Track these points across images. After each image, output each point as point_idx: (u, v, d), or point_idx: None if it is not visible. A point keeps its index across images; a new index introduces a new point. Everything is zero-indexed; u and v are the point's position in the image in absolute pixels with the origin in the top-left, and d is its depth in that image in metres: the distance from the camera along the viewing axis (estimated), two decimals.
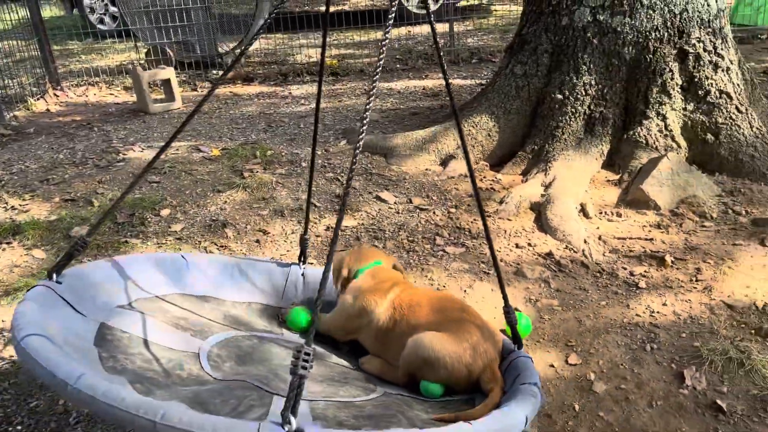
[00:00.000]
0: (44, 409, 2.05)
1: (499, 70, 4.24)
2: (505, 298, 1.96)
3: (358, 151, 1.51)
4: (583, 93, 3.75)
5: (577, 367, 2.21)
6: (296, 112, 5.26)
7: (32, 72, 6.14)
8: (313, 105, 5.40)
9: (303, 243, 2.46)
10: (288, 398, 1.29)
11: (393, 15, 1.63)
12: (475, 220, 3.23)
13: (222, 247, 3.06)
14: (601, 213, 3.26)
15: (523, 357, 1.91)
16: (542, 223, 3.15)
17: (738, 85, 3.73)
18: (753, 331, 2.31)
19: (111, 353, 1.72)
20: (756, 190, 3.32)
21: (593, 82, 3.74)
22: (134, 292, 2.06)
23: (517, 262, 2.86)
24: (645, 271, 2.75)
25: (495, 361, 1.89)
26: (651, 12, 3.65)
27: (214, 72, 6.68)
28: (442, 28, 7.45)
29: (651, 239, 2.99)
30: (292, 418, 1.27)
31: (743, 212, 3.14)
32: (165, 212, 3.37)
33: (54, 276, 1.81)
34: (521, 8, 4.40)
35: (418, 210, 3.37)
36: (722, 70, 3.68)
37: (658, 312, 2.47)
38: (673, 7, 3.65)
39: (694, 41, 3.67)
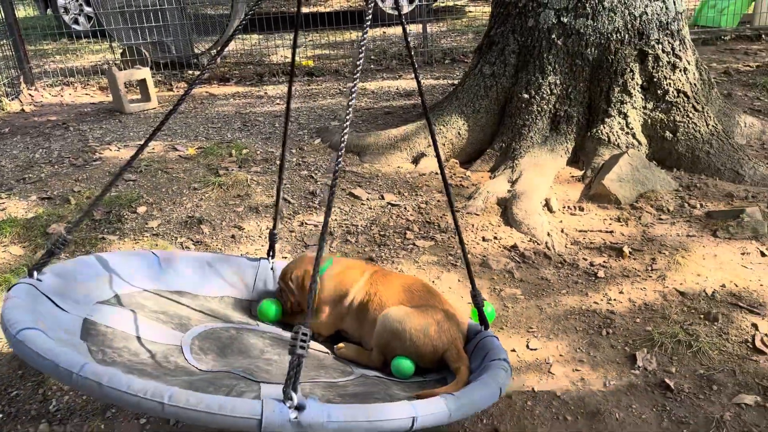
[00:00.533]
0: (24, 398, 2.12)
1: (469, 70, 4.37)
2: (472, 282, 2.09)
3: (341, 153, 1.60)
4: (549, 92, 3.89)
5: (537, 351, 2.33)
6: (271, 112, 5.34)
7: (6, 72, 6.13)
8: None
9: (272, 238, 2.53)
10: (288, 376, 1.36)
11: (370, 16, 1.72)
12: (444, 215, 3.35)
13: (198, 242, 3.14)
14: (564, 207, 3.40)
15: (490, 336, 2.04)
16: (508, 218, 3.28)
17: (695, 84, 3.90)
18: (702, 316, 2.46)
19: (99, 347, 1.76)
20: (711, 185, 3.49)
21: (558, 82, 3.89)
22: (112, 288, 2.10)
23: (483, 254, 2.98)
24: (604, 262, 2.89)
25: (459, 340, 2.01)
26: (612, 15, 3.80)
27: (190, 72, 6.73)
28: (416, 29, 7.57)
29: (611, 232, 3.13)
30: (293, 394, 1.35)
31: (698, 206, 3.30)
32: (141, 209, 3.44)
33: (35, 273, 1.83)
34: None
35: (389, 206, 3.48)
36: (680, 71, 3.85)
37: (614, 299, 2.61)
38: (633, 10, 3.81)
39: (653, 43, 3.83)
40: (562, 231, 3.16)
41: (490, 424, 1.98)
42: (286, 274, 2.31)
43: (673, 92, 3.80)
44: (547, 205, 3.38)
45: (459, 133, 4.08)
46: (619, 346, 2.34)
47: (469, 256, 2.91)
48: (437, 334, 1.97)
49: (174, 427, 1.98)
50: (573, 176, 3.74)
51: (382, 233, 3.20)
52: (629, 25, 3.82)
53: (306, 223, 3.31)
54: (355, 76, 1.67)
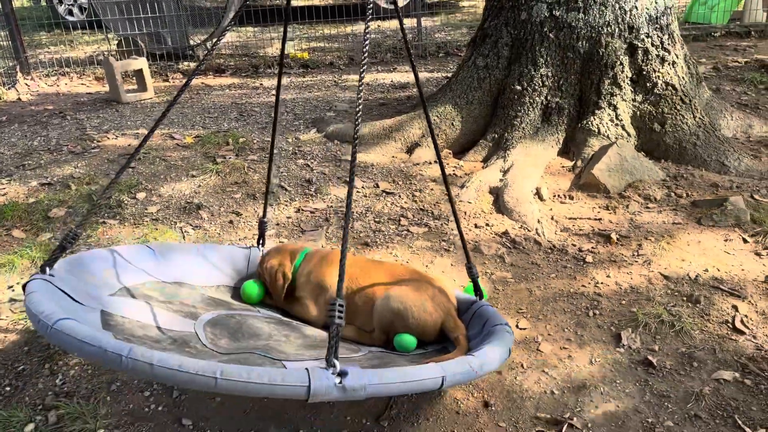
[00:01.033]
0: (31, 372, 2.19)
1: (463, 62, 4.45)
2: (467, 255, 2.21)
3: (356, 149, 1.68)
4: (541, 84, 3.98)
5: (526, 330, 2.42)
6: (267, 102, 5.40)
7: (3, 62, 6.16)
8: (285, 96, 5.54)
9: (262, 226, 2.59)
10: (330, 345, 1.47)
11: (371, 10, 1.80)
12: (437, 202, 3.43)
13: (197, 227, 3.21)
14: (555, 196, 3.49)
15: (485, 306, 2.16)
16: (500, 206, 3.36)
17: (683, 78, 3.99)
18: (685, 298, 2.56)
19: (123, 336, 1.80)
20: (697, 175, 3.58)
21: (550, 74, 3.97)
22: (119, 281, 2.14)
23: (476, 240, 3.07)
24: (592, 248, 2.98)
25: (453, 310, 2.13)
26: (603, 8, 3.89)
27: (186, 64, 6.77)
28: (410, 23, 7.64)
29: (599, 219, 3.23)
30: (336, 362, 1.45)
31: (684, 195, 3.40)
32: (141, 195, 3.50)
33: (47, 269, 1.85)
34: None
35: (384, 194, 3.56)
36: (668, 64, 3.94)
37: (602, 283, 2.70)
38: (623, 4, 3.90)
39: (642, 36, 3.92)
40: (552, 218, 3.25)
41: (481, 398, 2.07)
42: (263, 262, 2.40)
43: (661, 85, 3.89)
44: (538, 194, 3.47)
45: (453, 124, 4.16)
46: (605, 326, 2.43)
47: None
48: (434, 308, 2.07)
49: (177, 399, 2.05)
50: (563, 166, 3.83)
51: (377, 220, 3.28)
52: (619, 19, 3.91)
53: (302, 210, 3.39)
54: (361, 72, 1.76)
